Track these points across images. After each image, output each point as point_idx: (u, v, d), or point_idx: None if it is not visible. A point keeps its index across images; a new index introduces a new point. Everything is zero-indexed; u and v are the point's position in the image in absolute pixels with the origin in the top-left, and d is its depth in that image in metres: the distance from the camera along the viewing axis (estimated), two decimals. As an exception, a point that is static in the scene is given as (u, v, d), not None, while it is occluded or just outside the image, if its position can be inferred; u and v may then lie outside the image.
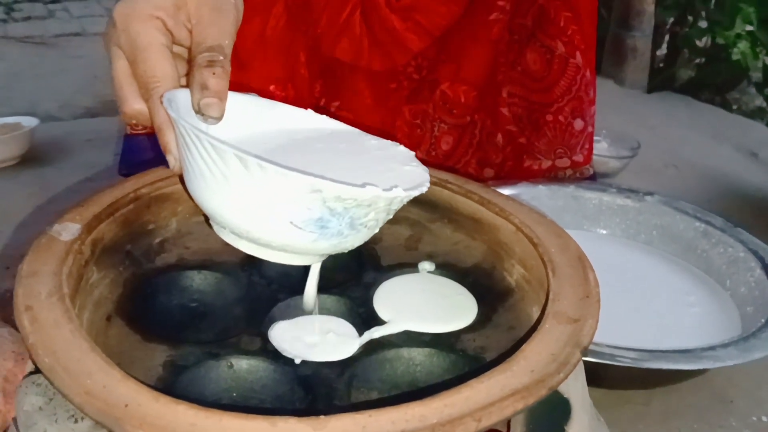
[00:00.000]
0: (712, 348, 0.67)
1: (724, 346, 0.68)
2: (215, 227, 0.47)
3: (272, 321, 0.49)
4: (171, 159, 0.47)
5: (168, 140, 0.46)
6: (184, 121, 0.42)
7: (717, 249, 0.87)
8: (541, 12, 0.92)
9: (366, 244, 0.58)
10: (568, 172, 1.01)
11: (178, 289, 0.52)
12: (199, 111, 0.46)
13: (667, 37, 2.04)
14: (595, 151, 1.08)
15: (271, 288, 0.52)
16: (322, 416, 0.34)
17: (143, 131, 0.96)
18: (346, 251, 0.47)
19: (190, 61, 0.49)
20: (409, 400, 0.35)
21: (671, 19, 1.98)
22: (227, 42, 0.48)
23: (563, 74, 0.94)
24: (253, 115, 0.52)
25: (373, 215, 0.44)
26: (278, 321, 0.50)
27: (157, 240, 0.54)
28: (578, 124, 0.98)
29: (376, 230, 0.47)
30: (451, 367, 0.46)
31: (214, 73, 0.46)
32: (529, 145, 0.99)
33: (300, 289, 0.52)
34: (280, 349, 0.47)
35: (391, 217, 0.47)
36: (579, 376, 0.45)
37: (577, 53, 0.94)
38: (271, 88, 0.92)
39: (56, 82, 2.00)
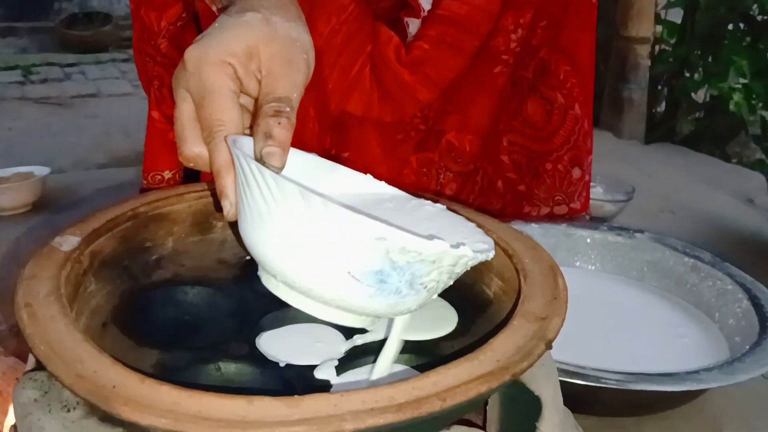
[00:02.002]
0: (696, 372, 0.69)
1: (708, 369, 0.69)
2: (264, 278, 0.47)
3: (261, 330, 0.52)
4: (227, 204, 0.47)
5: (226, 183, 0.47)
6: (247, 157, 0.42)
7: (706, 282, 0.89)
8: (542, 65, 0.96)
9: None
10: (566, 219, 1.03)
11: (172, 302, 0.54)
12: (260, 159, 0.46)
13: (665, 91, 2.09)
14: (591, 196, 1.11)
15: (262, 302, 0.54)
16: (296, 396, 0.36)
17: (159, 184, 0.99)
18: (399, 315, 0.45)
19: (255, 111, 0.50)
20: (381, 386, 0.37)
21: (666, 74, 2.03)
22: (295, 95, 0.49)
23: (562, 124, 0.98)
24: (314, 175, 0.52)
25: (436, 275, 0.42)
26: (266, 330, 0.52)
27: (154, 257, 0.57)
28: (576, 172, 1.01)
29: (434, 295, 0.45)
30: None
31: (279, 123, 0.46)
32: (528, 192, 1.02)
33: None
34: (266, 354, 0.49)
35: (451, 282, 0.45)
36: (551, 376, 0.47)
37: (576, 105, 0.97)
38: None
39: (71, 139, 2.07)
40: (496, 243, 0.53)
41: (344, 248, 0.40)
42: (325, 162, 0.53)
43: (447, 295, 0.55)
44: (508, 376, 0.38)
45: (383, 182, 0.54)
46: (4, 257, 1.08)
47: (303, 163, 0.51)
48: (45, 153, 1.87)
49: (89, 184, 1.46)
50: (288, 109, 0.47)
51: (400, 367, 0.48)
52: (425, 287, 0.42)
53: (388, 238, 0.39)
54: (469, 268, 0.43)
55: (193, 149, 0.49)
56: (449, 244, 0.40)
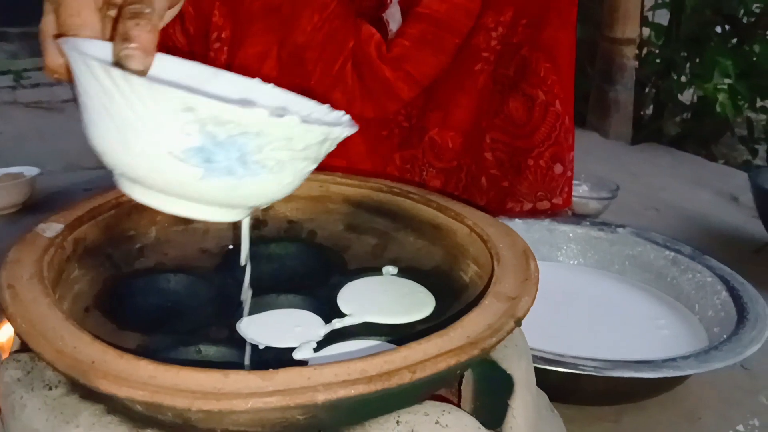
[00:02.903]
0: (672, 359, 0.70)
1: (685, 357, 0.71)
2: (119, 183, 0.44)
3: (241, 316, 0.53)
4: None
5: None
6: (72, 49, 0.39)
7: (686, 275, 0.90)
8: (523, 63, 0.98)
9: (333, 251, 0.62)
10: (548, 214, 1.04)
11: (154, 289, 0.55)
12: (118, 62, 0.42)
13: (652, 92, 2.11)
14: (575, 193, 1.13)
15: (242, 289, 0.56)
16: (270, 369, 0.37)
17: None
18: (258, 205, 0.44)
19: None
20: (354, 361, 0.38)
21: (653, 75, 2.05)
22: None
23: (544, 121, 0.99)
24: (195, 80, 0.49)
25: (270, 151, 0.39)
26: (247, 315, 0.53)
27: (137, 246, 0.58)
28: (558, 168, 1.02)
29: (288, 179, 0.42)
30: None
31: (138, 24, 0.43)
32: (511, 188, 1.03)
33: (271, 288, 0.56)
34: (246, 338, 0.50)
35: (310, 165, 0.42)
36: (523, 356, 0.48)
37: (557, 101, 0.99)
38: None
39: (61, 144, 2.07)
40: (471, 229, 0.55)
41: (157, 125, 0.37)
42: (207, 68, 0.50)
43: (425, 281, 0.57)
44: (477, 350, 0.39)
45: (271, 85, 0.51)
46: (-7, 255, 1.09)
47: (182, 70, 0.49)
48: (35, 156, 1.87)
49: (79, 185, 1.47)
50: (147, 10, 0.44)
51: (375, 342, 0.49)
52: (262, 166, 0.39)
53: (197, 107, 0.36)
54: (322, 151, 0.41)
55: (56, 60, 0.47)
56: (268, 111, 0.37)
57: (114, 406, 0.40)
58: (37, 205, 1.34)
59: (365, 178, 0.63)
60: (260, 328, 0.51)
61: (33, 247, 0.48)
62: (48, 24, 0.47)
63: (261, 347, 0.49)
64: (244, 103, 0.39)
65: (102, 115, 0.39)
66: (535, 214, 1.03)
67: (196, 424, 0.38)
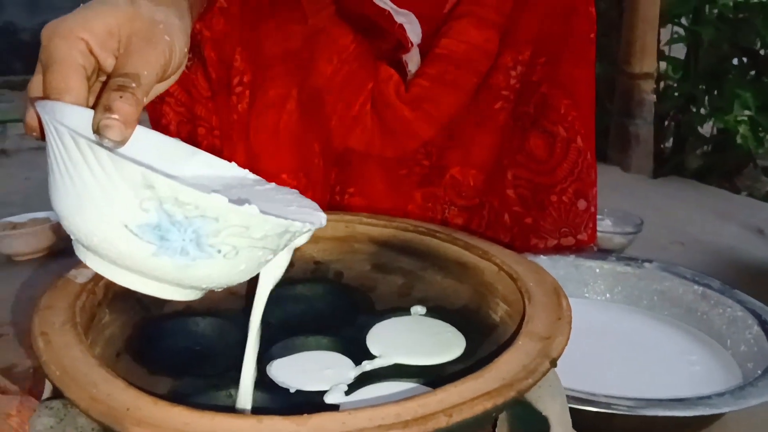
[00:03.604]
0: (707, 397, 0.69)
1: (720, 394, 0.69)
2: (77, 249, 0.44)
3: (271, 359, 0.53)
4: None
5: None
6: (44, 112, 0.40)
7: (716, 310, 0.89)
8: (542, 100, 0.98)
9: (360, 292, 0.62)
10: (573, 250, 1.03)
11: (183, 333, 0.56)
12: (97, 131, 0.43)
13: (672, 126, 2.10)
14: (599, 228, 1.12)
15: (271, 331, 0.55)
16: (305, 414, 0.37)
17: None
18: (209, 288, 0.43)
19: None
20: (388, 404, 0.38)
21: (672, 109, 2.05)
22: (146, 73, 0.47)
23: (566, 157, 0.99)
24: (171, 158, 0.49)
25: (227, 237, 0.39)
26: (276, 358, 0.53)
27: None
28: (581, 204, 1.02)
29: (243, 266, 0.42)
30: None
31: (121, 97, 0.44)
32: (535, 224, 1.03)
33: (299, 329, 0.56)
34: (276, 381, 0.50)
35: (269, 255, 0.42)
36: (558, 396, 0.47)
37: (578, 137, 0.99)
38: (284, 176, 0.96)
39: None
40: (499, 267, 0.55)
41: (116, 197, 0.38)
42: (185, 146, 0.51)
43: (454, 320, 0.56)
44: (513, 392, 0.39)
45: (246, 170, 0.51)
46: (20, 300, 1.10)
47: (159, 145, 0.49)
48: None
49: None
50: (133, 84, 0.45)
51: (407, 384, 0.49)
52: (218, 250, 0.39)
53: (157, 185, 0.36)
54: (282, 242, 0.41)
55: (34, 120, 0.46)
56: (228, 199, 0.37)
57: (148, 453, 0.39)
58: (63, 250, 1.35)
59: (390, 218, 0.64)
60: (290, 370, 0.51)
61: (65, 293, 0.48)
62: (35, 84, 0.48)
63: (292, 390, 0.49)
64: (208, 186, 0.39)
65: (65, 180, 0.39)
66: (559, 250, 1.02)
67: (230, 470, 0.37)
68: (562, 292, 0.50)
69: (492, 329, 0.54)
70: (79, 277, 0.51)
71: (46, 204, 1.42)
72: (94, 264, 0.43)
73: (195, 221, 0.37)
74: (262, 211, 0.38)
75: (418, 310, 0.59)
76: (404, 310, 0.59)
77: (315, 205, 0.48)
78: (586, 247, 1.04)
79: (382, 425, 0.36)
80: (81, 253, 0.43)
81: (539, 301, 0.49)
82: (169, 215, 0.37)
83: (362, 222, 0.64)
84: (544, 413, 0.45)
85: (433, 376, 0.50)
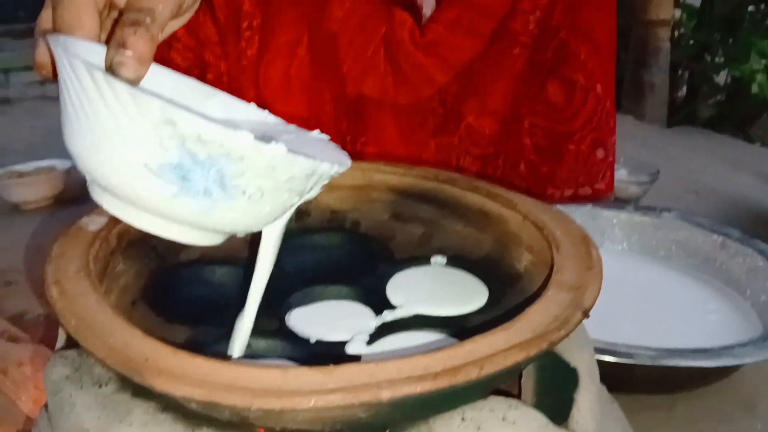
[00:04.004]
0: (730, 347, 0.68)
1: (743, 345, 0.68)
2: (92, 191, 0.42)
3: (289, 308, 0.51)
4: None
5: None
6: (57, 45, 0.38)
7: (736, 260, 0.87)
8: (561, 46, 0.95)
9: (379, 241, 0.61)
10: (590, 200, 1.02)
11: (200, 281, 0.54)
12: (110, 69, 0.41)
13: (686, 75, 2.07)
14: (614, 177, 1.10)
15: (290, 280, 0.54)
16: (331, 365, 0.35)
17: None
18: (232, 232, 0.42)
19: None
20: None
21: (687, 58, 2.01)
22: (161, 8, 0.44)
23: (584, 105, 0.97)
24: (185, 99, 0.47)
25: (252, 178, 0.37)
26: (295, 308, 0.52)
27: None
28: (600, 153, 1.00)
29: (267, 209, 0.40)
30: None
31: (135, 32, 0.41)
32: (551, 174, 1.01)
33: (318, 279, 0.55)
34: (296, 331, 0.49)
35: (297, 199, 0.41)
36: (587, 348, 0.46)
37: (598, 85, 0.96)
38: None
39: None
40: (524, 216, 0.53)
41: (134, 135, 0.35)
42: (202, 86, 0.48)
43: (475, 270, 0.55)
44: (545, 344, 0.37)
45: (267, 111, 0.49)
46: (29, 248, 1.09)
47: (175, 85, 0.47)
48: (66, 150, 1.88)
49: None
50: (148, 20, 0.42)
51: (430, 335, 0.47)
52: (243, 192, 0.37)
53: (178, 122, 0.34)
54: (309, 185, 0.39)
55: (44, 57, 0.45)
56: (253, 136, 0.35)
57: (167, 403, 0.38)
58: (70, 198, 1.34)
59: (409, 166, 0.62)
60: (310, 320, 0.50)
61: (77, 241, 0.47)
62: (44, 19, 0.46)
63: (312, 341, 0.48)
64: (231, 124, 0.36)
65: (79, 117, 0.37)
66: (576, 200, 1.01)
67: (254, 422, 0.36)
68: (591, 241, 0.48)
69: (516, 279, 0.53)
70: (91, 224, 0.49)
71: (50, 152, 1.41)
72: (112, 206, 0.41)
73: (219, 160, 0.36)
74: (290, 151, 0.36)
75: (439, 260, 0.57)
76: (424, 260, 0.57)
77: (338, 147, 0.46)
78: (603, 196, 1.03)
79: (411, 377, 0.34)
80: (97, 195, 0.41)
81: (568, 251, 0.47)
82: (192, 154, 0.35)
83: (380, 170, 0.62)
84: (572, 364, 0.44)
85: (456, 327, 0.49)
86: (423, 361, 0.36)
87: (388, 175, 0.62)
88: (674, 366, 0.65)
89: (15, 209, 1.29)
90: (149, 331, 0.38)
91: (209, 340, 0.47)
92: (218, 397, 0.34)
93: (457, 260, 0.57)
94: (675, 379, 0.72)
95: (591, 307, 0.41)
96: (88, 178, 0.41)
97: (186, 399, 0.34)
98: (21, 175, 1.33)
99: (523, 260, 0.53)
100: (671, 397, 0.74)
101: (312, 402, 0.33)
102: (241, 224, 0.41)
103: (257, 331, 0.48)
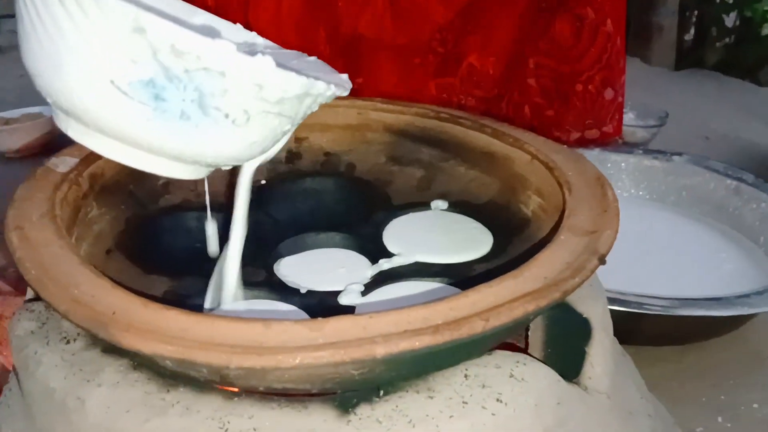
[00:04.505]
0: (745, 295, 0.64)
1: (759, 293, 0.65)
2: (55, 115, 0.38)
3: (279, 256, 0.48)
4: None
5: None
6: None
7: (749, 206, 0.84)
8: None
9: (376, 186, 0.57)
10: (597, 143, 0.98)
11: (182, 229, 0.50)
12: None
13: (694, 18, 2.00)
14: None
15: (278, 227, 0.50)
16: (319, 318, 0.32)
17: None
18: (216, 164, 0.37)
19: None
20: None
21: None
22: None
23: (593, 43, 0.91)
24: (163, 11, 0.40)
25: (236, 98, 0.33)
26: (285, 256, 0.48)
27: (161, 181, 0.53)
28: (608, 93, 0.95)
29: (256, 136, 0.35)
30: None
31: None
32: (557, 117, 0.96)
33: (309, 227, 0.51)
34: (285, 280, 0.45)
35: (285, 126, 0.36)
36: (600, 298, 0.42)
37: (608, 20, 0.91)
38: None
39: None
40: (533, 156, 0.49)
41: (99, 45, 0.31)
42: (183, 4, 0.44)
43: (479, 216, 0.51)
44: (557, 293, 0.34)
45: (254, 33, 0.45)
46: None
47: (154, 2, 0.41)
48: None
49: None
50: None
51: (431, 284, 0.44)
52: (225, 115, 0.33)
53: (149, 28, 0.30)
54: (302, 109, 0.35)
55: None
56: (236, 45, 0.31)
57: (141, 361, 0.35)
58: (58, 147, 1.29)
59: (408, 104, 0.57)
60: (300, 269, 0.46)
61: (44, 183, 0.43)
62: None
63: (302, 291, 0.44)
64: (210, 33, 0.32)
65: (36, 29, 0.33)
66: (583, 143, 0.97)
67: (234, 381, 0.33)
68: (606, 181, 0.44)
69: (523, 225, 0.49)
70: (61, 165, 0.45)
71: (41, 102, 1.36)
72: (78, 134, 0.36)
73: (197, 76, 0.31)
74: (279, 65, 0.32)
75: (439, 204, 0.53)
76: (424, 205, 0.53)
77: (335, 71, 0.42)
78: (611, 140, 0.98)
79: (409, 330, 0.31)
80: (61, 122, 0.37)
81: (581, 193, 0.43)
82: (165, 68, 0.31)
83: (377, 108, 0.58)
84: (585, 315, 0.40)
85: (458, 276, 0.45)
86: (422, 312, 0.32)
87: (385, 114, 0.58)
88: (687, 316, 0.61)
89: (3, 158, 1.24)
90: (125, 283, 0.34)
91: (191, 292, 0.43)
92: (193, 354, 0.30)
93: (459, 205, 0.53)
94: (686, 330, 0.69)
95: (607, 252, 0.37)
96: (49, 100, 0.36)
97: (158, 356, 0.31)
98: (7, 122, 1.28)
99: (531, 204, 0.49)
100: (680, 349, 0.71)
101: (297, 359, 0.30)
102: (224, 154, 0.36)
103: (243, 281, 0.44)
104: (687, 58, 1.90)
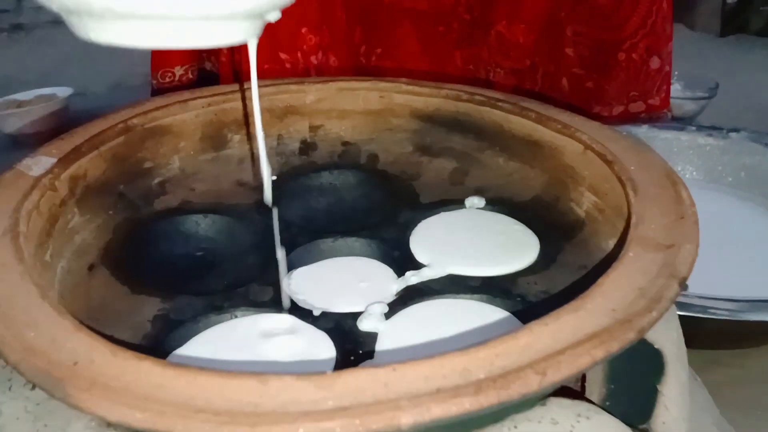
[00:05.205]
0: (822, 295, 0.57)
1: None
2: (74, 28, 0.33)
3: (290, 268, 0.41)
4: None
5: None
6: None
7: (821, 189, 0.75)
8: None
9: (401, 180, 0.50)
10: (643, 117, 0.90)
11: (180, 236, 0.44)
12: None
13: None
14: (670, 91, 0.97)
15: (290, 233, 0.44)
16: (328, 372, 0.25)
17: (170, 83, 0.90)
18: (260, 8, 0.32)
19: None
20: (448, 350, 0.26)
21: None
22: None
23: (637, 6, 0.84)
24: None
25: None
26: (297, 268, 0.41)
27: (157, 180, 0.46)
28: (654, 62, 0.87)
29: None
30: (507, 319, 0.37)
31: None
32: (598, 89, 0.89)
33: (324, 230, 0.44)
34: (295, 299, 0.38)
35: None
36: (672, 321, 0.35)
37: None
38: (303, 31, 0.84)
39: (106, 65, 1.97)
40: (586, 146, 0.41)
41: None
42: None
43: (521, 215, 0.44)
44: (632, 333, 0.27)
45: None
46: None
47: None
48: (80, 79, 1.78)
49: (116, 102, 1.36)
50: None
51: (470, 303, 0.37)
52: None
53: None
54: None
55: None
56: None
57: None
58: (72, 128, 1.24)
59: (438, 84, 0.50)
60: (313, 285, 0.40)
61: (11, 191, 0.36)
62: None
63: (316, 313, 0.37)
64: None
65: None
66: (627, 119, 0.89)
67: (225, 449, 0.26)
68: (678, 178, 0.37)
69: (575, 227, 0.42)
70: (35, 167, 0.39)
71: (63, 81, 1.31)
72: (99, 33, 0.31)
73: None
74: None
75: (475, 202, 0.46)
76: (457, 203, 0.46)
77: None
78: (658, 113, 0.90)
79: (443, 390, 0.24)
80: (78, 29, 0.32)
81: (648, 193, 0.36)
82: None
83: (402, 90, 0.51)
84: (657, 345, 0.33)
85: (501, 292, 0.38)
86: (459, 362, 0.25)
87: (411, 97, 0.51)
88: (757, 321, 0.54)
89: (13, 141, 1.20)
90: (109, 305, 0.28)
91: (185, 315, 0.36)
92: (168, 424, 0.23)
93: (498, 203, 0.46)
94: (751, 334, 0.61)
95: (689, 274, 0.30)
96: (55, 7, 0.31)
97: (124, 424, 0.24)
98: (20, 104, 1.24)
99: (585, 203, 0.42)
100: (742, 353, 0.64)
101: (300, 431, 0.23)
102: None
103: (246, 300, 0.38)
104: (731, 23, 1.79)
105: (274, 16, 0.33)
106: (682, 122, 0.92)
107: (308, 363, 0.33)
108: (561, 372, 0.25)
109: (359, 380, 0.25)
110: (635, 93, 0.89)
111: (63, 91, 1.28)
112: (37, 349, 0.26)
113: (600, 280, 0.29)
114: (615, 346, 0.26)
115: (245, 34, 0.33)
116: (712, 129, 0.85)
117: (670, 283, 0.29)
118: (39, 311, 0.28)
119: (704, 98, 1.12)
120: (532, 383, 0.24)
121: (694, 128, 0.86)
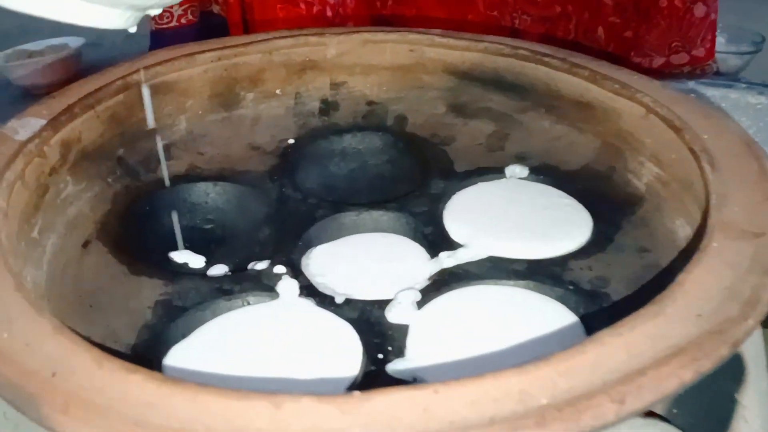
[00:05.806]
0: None
1: None
2: None
3: (308, 246, 0.36)
4: None
5: None
6: None
7: None
8: None
9: (433, 145, 0.45)
10: (686, 69, 0.84)
11: (185, 206, 0.40)
12: None
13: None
14: (713, 44, 0.91)
15: (308, 203, 0.39)
16: (356, 392, 0.21)
17: (168, 25, 0.87)
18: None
19: None
20: (498, 364, 0.21)
21: None
22: None
23: None
24: None
25: None
26: (316, 246, 0.37)
27: (161, 144, 0.42)
28: (699, 9, 0.82)
29: None
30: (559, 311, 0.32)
31: None
32: (637, 39, 0.83)
33: (347, 201, 0.40)
34: (315, 284, 0.34)
35: None
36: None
37: None
38: None
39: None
40: (648, 109, 0.36)
41: None
42: None
43: (570, 186, 0.39)
44: (725, 348, 0.22)
45: None
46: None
47: None
48: (92, 31, 1.74)
49: (129, 50, 1.32)
50: None
51: (516, 291, 0.32)
52: None
53: None
54: None
55: None
56: None
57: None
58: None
59: (477, 36, 0.45)
60: (335, 266, 0.35)
61: (-7, 158, 0.32)
62: None
63: (338, 300, 0.33)
64: None
65: None
66: (668, 72, 0.83)
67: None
68: (759, 148, 0.32)
69: (634, 203, 0.37)
70: (21, 130, 0.34)
71: (76, 32, 1.26)
72: None
73: None
74: None
75: (517, 171, 0.42)
76: (496, 172, 0.42)
77: None
78: (702, 66, 0.85)
79: (498, 420, 0.20)
80: None
81: (728, 167, 0.30)
82: None
83: (434, 43, 0.46)
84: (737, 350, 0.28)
85: (550, 278, 0.33)
86: (515, 382, 0.21)
87: (445, 51, 0.46)
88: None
89: (25, 94, 1.16)
90: (105, 289, 0.24)
91: (190, 301, 0.32)
92: (159, 456, 0.19)
93: (542, 172, 0.42)
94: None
95: (787, 269, 0.25)
96: None
97: (108, 455, 0.20)
98: (31, 54, 1.20)
99: (645, 174, 0.37)
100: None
101: (320, 472, 0.19)
102: None
103: (259, 283, 0.33)
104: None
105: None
106: (729, 78, 0.86)
107: (331, 363, 0.29)
108: (642, 399, 0.20)
109: (392, 402, 0.20)
110: (677, 43, 0.83)
111: (75, 41, 1.24)
112: (7, 354, 0.22)
113: (680, 278, 0.24)
114: (707, 364, 0.21)
115: (127, 22, 0.33)
116: (764, 86, 0.79)
117: (765, 281, 0.24)
118: (13, 307, 0.24)
119: (749, 53, 1.06)
120: (608, 413, 0.20)
121: (743, 85, 0.80)
